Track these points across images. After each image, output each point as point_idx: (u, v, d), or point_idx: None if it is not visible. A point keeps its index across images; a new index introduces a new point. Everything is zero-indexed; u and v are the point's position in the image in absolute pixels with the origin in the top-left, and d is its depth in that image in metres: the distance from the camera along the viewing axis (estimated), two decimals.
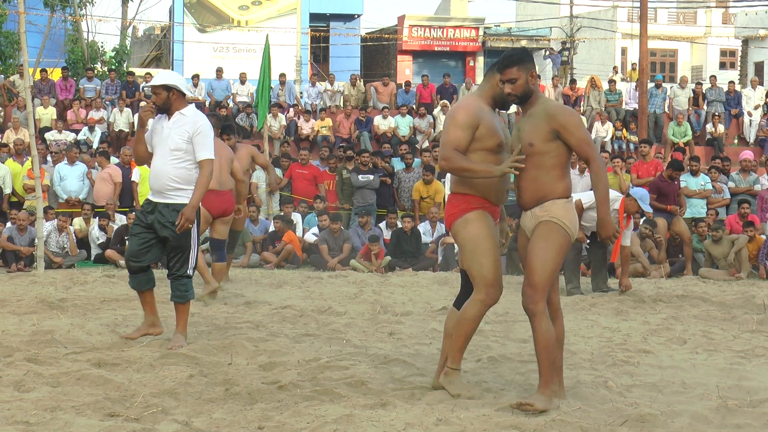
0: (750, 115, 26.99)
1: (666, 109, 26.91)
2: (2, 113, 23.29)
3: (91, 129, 22.89)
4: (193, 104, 8.45)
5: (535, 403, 5.82)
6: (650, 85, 26.47)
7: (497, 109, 6.59)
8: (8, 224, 16.60)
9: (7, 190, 18.41)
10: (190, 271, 8.11)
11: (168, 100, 7.98)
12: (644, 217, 15.77)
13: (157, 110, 8.08)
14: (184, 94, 8.04)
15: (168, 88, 7.96)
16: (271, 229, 17.53)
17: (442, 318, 9.66)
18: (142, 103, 23.70)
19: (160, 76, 8.08)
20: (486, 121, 6.33)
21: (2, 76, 25.54)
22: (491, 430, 5.40)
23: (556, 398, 6.01)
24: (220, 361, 7.30)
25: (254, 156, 12.96)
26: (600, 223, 6.30)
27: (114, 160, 19.68)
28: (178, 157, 7.91)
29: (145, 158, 8.24)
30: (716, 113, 26.24)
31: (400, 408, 5.90)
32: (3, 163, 18.76)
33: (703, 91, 27.44)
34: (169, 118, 8.02)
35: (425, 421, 5.56)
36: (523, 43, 44.18)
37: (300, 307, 10.58)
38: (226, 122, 15.06)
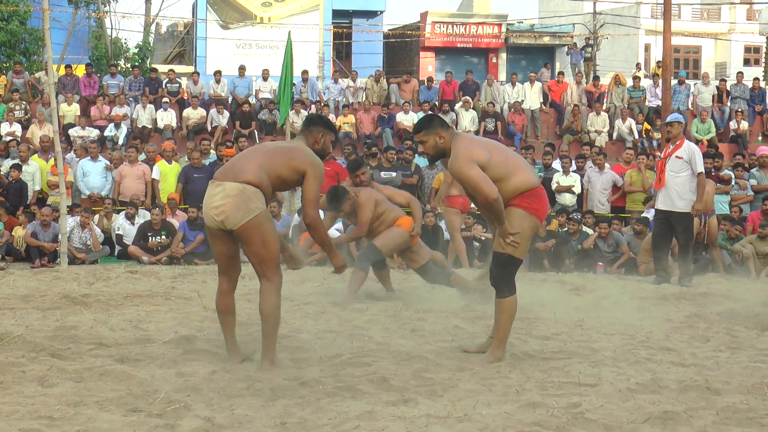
0: None
1: (690, 106, 26.80)
2: (28, 109, 23.39)
3: (117, 125, 22.96)
4: None
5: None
6: (673, 82, 26.37)
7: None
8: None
9: (37, 187, 18.51)
10: None
11: None
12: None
13: None
14: None
15: None
16: (293, 224, 17.52)
17: (465, 315, 9.65)
18: (165, 100, 23.83)
19: None
20: None
21: (27, 72, 25.66)
22: (513, 427, 5.39)
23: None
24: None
25: None
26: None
27: (140, 156, 19.72)
28: None
29: None
30: (739, 110, 26.14)
31: (422, 404, 5.90)
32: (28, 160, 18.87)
33: (727, 88, 27.33)
34: None
35: (447, 418, 5.55)
36: (546, 39, 44.07)
37: (322, 304, 10.57)
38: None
